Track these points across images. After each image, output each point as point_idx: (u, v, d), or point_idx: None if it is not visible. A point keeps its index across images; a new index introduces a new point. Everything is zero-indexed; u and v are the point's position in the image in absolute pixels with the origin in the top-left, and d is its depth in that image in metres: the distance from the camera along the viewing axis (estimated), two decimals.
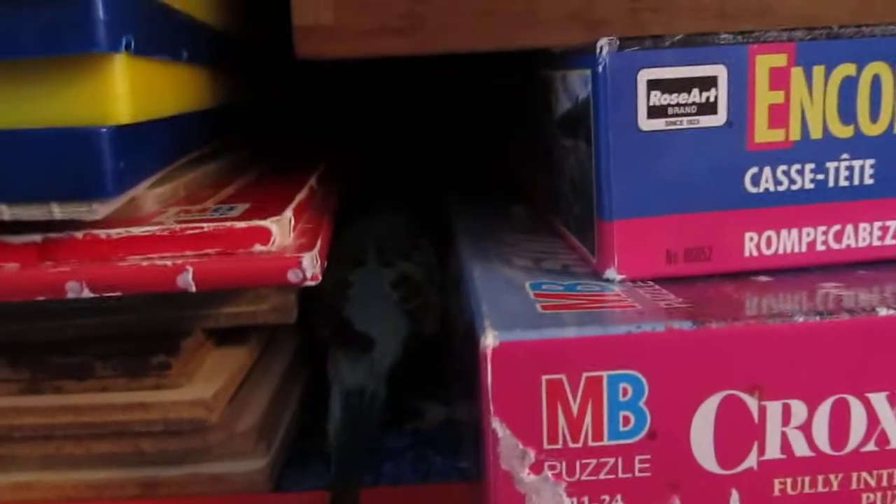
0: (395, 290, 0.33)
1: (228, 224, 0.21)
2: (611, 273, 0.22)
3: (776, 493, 0.19)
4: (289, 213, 0.23)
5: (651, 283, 0.23)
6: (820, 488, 0.19)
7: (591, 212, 0.24)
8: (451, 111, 0.54)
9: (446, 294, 0.37)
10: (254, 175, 0.34)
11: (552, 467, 0.19)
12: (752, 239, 0.22)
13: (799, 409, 0.19)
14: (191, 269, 0.21)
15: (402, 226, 0.39)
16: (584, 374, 0.18)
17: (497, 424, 0.18)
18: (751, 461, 0.19)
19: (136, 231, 0.21)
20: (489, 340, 0.18)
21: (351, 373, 0.30)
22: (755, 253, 0.22)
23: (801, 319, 0.19)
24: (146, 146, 0.23)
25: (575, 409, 0.18)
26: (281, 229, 0.22)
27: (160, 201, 0.25)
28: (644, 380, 0.18)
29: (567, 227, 0.27)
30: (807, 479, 0.19)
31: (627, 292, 0.21)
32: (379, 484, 0.29)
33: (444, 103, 0.54)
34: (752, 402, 0.19)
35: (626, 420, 0.19)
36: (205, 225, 0.21)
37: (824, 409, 0.19)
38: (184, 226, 0.22)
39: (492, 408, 0.18)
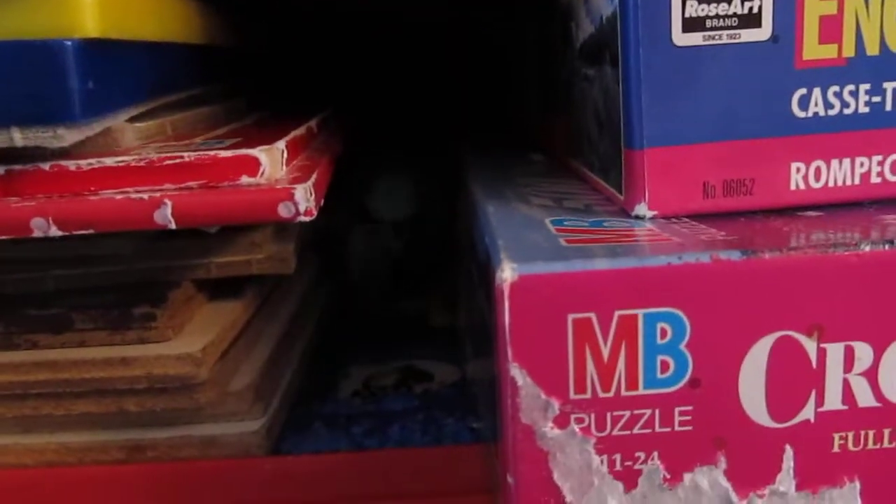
0: (413, 188, 0.39)
1: (212, 153, 0.19)
2: (641, 209, 0.20)
3: (836, 449, 0.17)
4: (281, 144, 0.21)
5: (686, 219, 0.20)
6: (886, 444, 0.17)
7: (617, 144, 0.21)
8: (464, 57, 0.52)
9: (456, 244, 0.35)
10: (251, 119, 0.32)
11: (579, 420, 0.16)
12: (798, 170, 0.20)
13: (864, 352, 0.16)
14: (170, 203, 0.19)
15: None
16: (617, 313, 0.16)
17: (516, 371, 0.16)
18: (808, 413, 0.17)
19: (109, 162, 0.19)
20: (507, 274, 0.15)
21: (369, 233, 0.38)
22: (802, 186, 0.20)
23: (867, 248, 0.16)
24: (121, 68, 0.20)
25: (606, 353, 0.16)
26: (271, 160, 0.19)
27: (142, 136, 0.23)
28: (686, 319, 0.16)
29: (590, 168, 0.25)
30: (871, 434, 0.17)
31: (661, 227, 0.19)
32: (385, 447, 0.26)
33: (457, 49, 0.52)
34: (809, 345, 0.16)
35: (665, 366, 0.16)
36: (186, 155, 0.19)
37: (893, 353, 0.16)
38: (162, 156, 0.19)
39: (510, 352, 0.16)
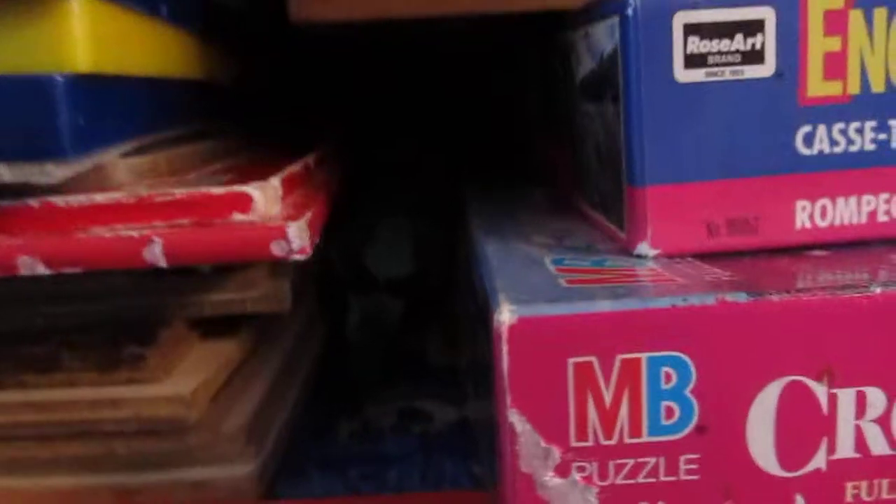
0: (414, 238, 0.37)
1: (203, 190, 0.19)
2: (643, 248, 0.20)
3: (849, 498, 0.16)
4: (276, 180, 0.20)
5: (690, 258, 0.20)
6: None
7: (619, 181, 0.21)
8: (464, 90, 0.52)
9: (456, 286, 0.34)
10: (249, 154, 0.31)
11: (581, 469, 0.16)
12: (804, 208, 0.20)
13: (876, 397, 0.16)
14: (159, 241, 0.18)
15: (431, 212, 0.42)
16: (620, 357, 0.15)
17: (515, 418, 0.15)
18: (818, 461, 0.16)
19: (99, 198, 0.19)
20: (505, 316, 0.15)
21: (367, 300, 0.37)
22: (808, 224, 0.20)
23: (878, 290, 0.16)
24: (113, 104, 0.20)
25: (608, 398, 0.15)
26: (265, 196, 0.19)
27: (135, 173, 0.23)
28: (691, 363, 0.15)
29: (591, 205, 0.24)
30: (885, 483, 0.16)
31: (664, 268, 0.19)
32: (383, 492, 0.26)
33: (457, 81, 0.51)
34: (820, 390, 0.16)
35: (670, 412, 0.16)
36: (177, 191, 0.19)
37: None
38: (153, 192, 0.19)
39: (509, 398, 0.15)
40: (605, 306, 0.15)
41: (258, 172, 0.22)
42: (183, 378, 0.23)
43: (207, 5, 0.29)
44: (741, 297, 0.15)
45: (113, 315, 0.24)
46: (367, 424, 0.31)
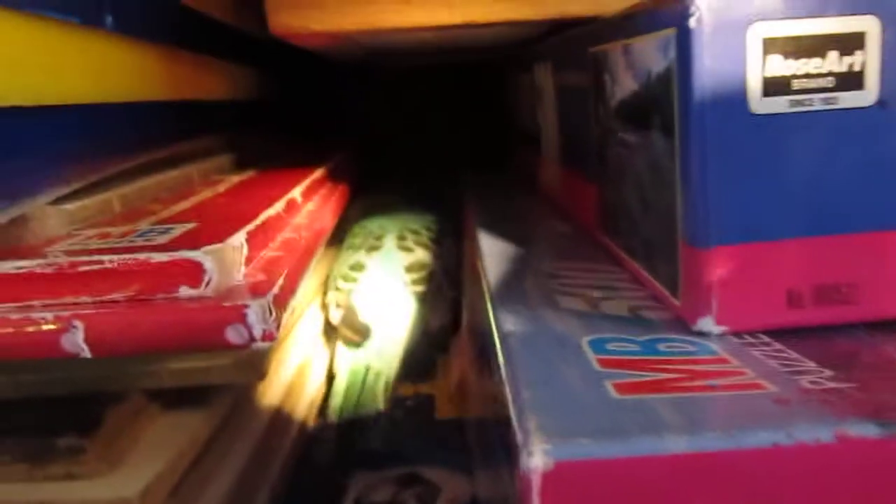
0: (407, 272, 0.33)
1: (142, 257, 0.14)
2: (706, 324, 0.15)
3: None
4: (239, 238, 0.16)
5: (764, 336, 0.15)
6: None
7: (671, 235, 0.17)
8: (477, 106, 0.47)
9: (467, 315, 0.30)
10: (228, 185, 0.27)
11: None
12: None
13: None
14: (81, 326, 0.14)
15: (426, 219, 0.39)
16: None
17: None
18: None
19: (7, 268, 0.14)
20: (537, 460, 0.11)
21: (353, 355, 0.32)
22: None
23: None
24: (33, 140, 0.16)
25: None
26: (220, 263, 0.15)
27: (75, 220, 0.18)
28: None
29: (630, 253, 0.20)
30: None
31: (739, 356, 0.14)
32: None
33: (469, 96, 0.47)
34: None
35: None
36: (107, 259, 0.14)
37: None
38: (75, 260, 0.14)
39: None
40: (678, 444, 0.11)
41: (228, 219, 0.18)
42: (134, 470, 0.19)
43: (178, 17, 0.25)
44: (870, 431, 0.11)
45: (49, 389, 0.20)
46: (361, 500, 0.26)
